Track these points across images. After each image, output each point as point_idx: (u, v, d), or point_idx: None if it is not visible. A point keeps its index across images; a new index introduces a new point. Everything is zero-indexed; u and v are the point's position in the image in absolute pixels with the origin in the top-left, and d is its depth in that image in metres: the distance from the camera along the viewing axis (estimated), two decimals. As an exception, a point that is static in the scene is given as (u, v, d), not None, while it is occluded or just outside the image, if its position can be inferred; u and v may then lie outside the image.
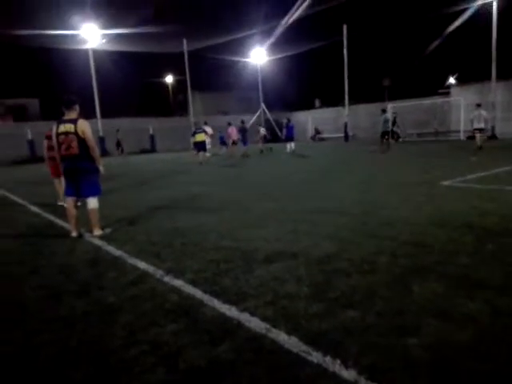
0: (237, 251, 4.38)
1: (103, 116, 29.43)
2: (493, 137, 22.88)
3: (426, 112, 27.88)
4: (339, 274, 3.54)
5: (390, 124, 17.23)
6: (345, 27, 29.97)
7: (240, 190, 9.56)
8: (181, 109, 45.20)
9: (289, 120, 21.61)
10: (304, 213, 6.25)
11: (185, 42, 30.74)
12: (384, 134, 17.38)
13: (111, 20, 25.18)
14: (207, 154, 17.68)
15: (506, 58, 24.96)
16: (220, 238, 4.97)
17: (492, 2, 23.48)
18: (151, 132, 32.28)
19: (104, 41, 28.37)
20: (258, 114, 37.86)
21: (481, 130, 15.40)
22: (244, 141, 21.16)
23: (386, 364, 2.22)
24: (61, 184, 8.24)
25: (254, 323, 2.74)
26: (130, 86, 41.68)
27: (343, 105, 32.23)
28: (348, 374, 2.15)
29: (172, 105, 50.45)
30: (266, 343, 2.50)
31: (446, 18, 27.19)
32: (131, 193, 10.14)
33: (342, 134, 32.09)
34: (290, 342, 2.49)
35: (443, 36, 31.42)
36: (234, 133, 20.66)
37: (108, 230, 5.64)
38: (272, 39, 32.46)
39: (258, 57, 37.62)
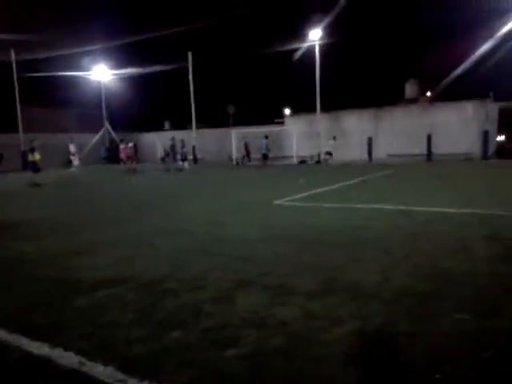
0: (59, 282, 3.97)
1: None
2: (318, 162, 26.04)
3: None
4: (168, 295, 3.51)
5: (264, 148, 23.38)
6: (190, 54, 30.87)
7: (79, 212, 8.76)
8: (6, 124, 39.49)
9: (182, 141, 24.36)
10: (145, 235, 6.06)
11: (13, 52, 27.43)
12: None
13: None
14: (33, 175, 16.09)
15: (328, 94, 29.14)
16: (43, 268, 4.45)
17: (315, 47, 27.22)
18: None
19: None
20: (101, 132, 35.74)
21: (330, 154, 23.87)
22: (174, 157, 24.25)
23: (203, 379, 2.26)
24: None
25: (67, 359, 2.50)
26: None
27: (191, 128, 32.87)
28: (162, 396, 2.11)
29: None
30: (77, 379, 2.29)
31: (282, 54, 30.45)
32: None
33: (191, 157, 32.60)
34: (105, 373, 2.34)
35: (280, 71, 35.09)
36: (122, 151, 23.05)
37: None
38: (115, 58, 31.42)
39: (101, 73, 35.76)
